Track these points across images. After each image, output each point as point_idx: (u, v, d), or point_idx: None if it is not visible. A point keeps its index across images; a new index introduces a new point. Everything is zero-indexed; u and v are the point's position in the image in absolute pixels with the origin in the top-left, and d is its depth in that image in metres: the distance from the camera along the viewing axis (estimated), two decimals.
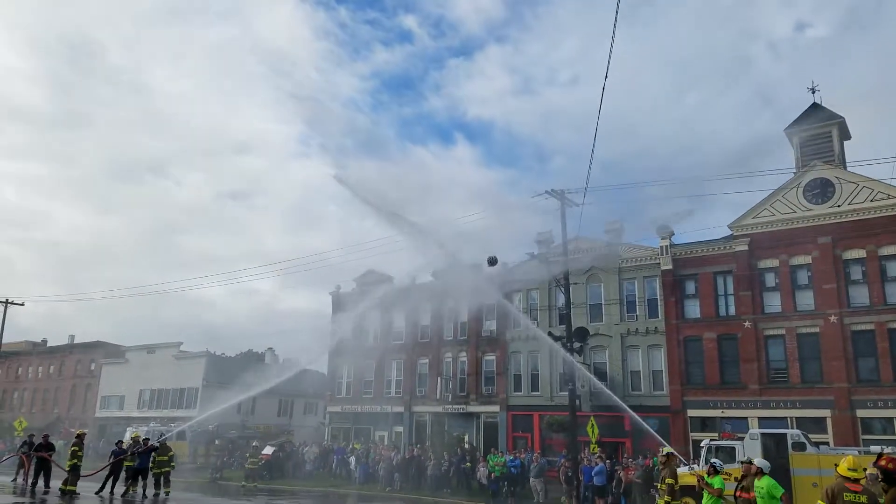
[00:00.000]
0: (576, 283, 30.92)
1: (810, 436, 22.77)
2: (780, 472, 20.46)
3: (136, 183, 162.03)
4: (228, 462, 36.56)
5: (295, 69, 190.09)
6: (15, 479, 24.51)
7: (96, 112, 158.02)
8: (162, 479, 21.82)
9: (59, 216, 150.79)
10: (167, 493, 21.59)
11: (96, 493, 20.85)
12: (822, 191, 30.15)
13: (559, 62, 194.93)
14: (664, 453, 15.92)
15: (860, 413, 27.19)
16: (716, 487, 13.14)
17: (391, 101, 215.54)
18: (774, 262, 30.54)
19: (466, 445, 33.47)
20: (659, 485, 15.67)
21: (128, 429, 44.70)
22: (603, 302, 34.31)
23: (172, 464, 23.07)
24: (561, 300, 29.85)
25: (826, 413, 27.76)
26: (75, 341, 65.34)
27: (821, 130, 31.72)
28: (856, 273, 29.06)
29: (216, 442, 41.16)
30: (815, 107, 32.39)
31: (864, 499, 8.13)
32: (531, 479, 25.64)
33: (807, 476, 19.69)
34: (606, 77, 12.34)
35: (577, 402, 27.07)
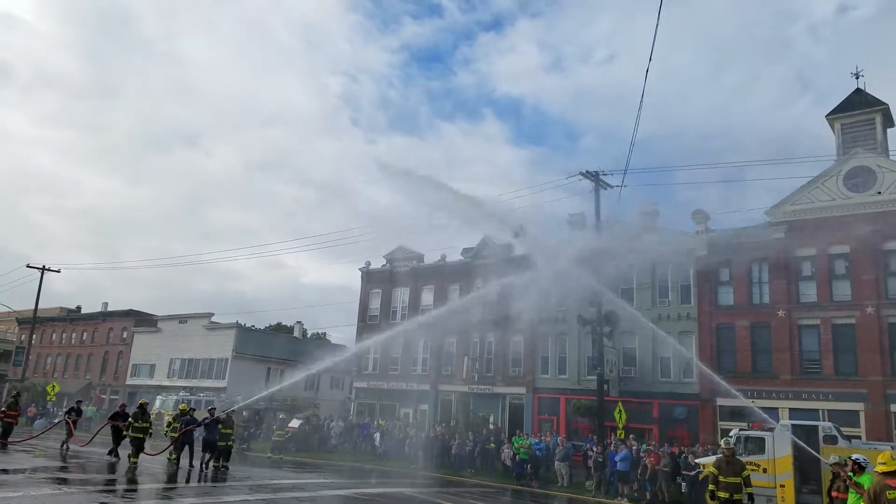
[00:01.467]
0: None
1: (842, 429, 22.41)
2: (811, 464, 20.24)
3: (167, 153, 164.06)
4: (255, 433, 37.19)
5: (326, 42, 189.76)
6: (62, 448, 23.88)
7: (128, 82, 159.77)
8: (224, 452, 21.24)
9: (90, 184, 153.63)
10: (226, 468, 20.96)
11: (172, 464, 20.65)
12: (863, 179, 29.32)
13: (592, 39, 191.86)
14: (839, 461, 13.38)
15: (895, 407, 26.64)
16: (867, 488, 11.07)
17: (420, 74, 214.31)
18: (812, 251, 29.86)
19: (491, 426, 33.59)
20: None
21: (157, 397, 45.70)
22: (634, 286, 33.95)
23: (234, 438, 22.60)
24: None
25: (859, 406, 27.24)
26: (108, 309, 66.73)
27: (864, 117, 30.77)
28: (895, 264, 28.32)
29: (244, 413, 41.85)
30: (858, 92, 31.42)
31: None
32: (556, 463, 25.66)
33: None
34: (649, 65, 12.00)
35: (606, 386, 26.98)
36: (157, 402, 43.83)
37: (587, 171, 26.13)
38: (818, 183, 30.23)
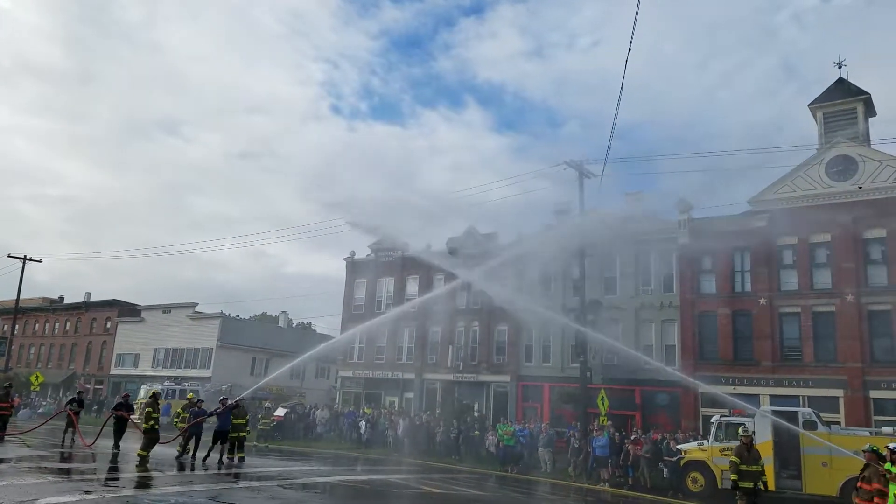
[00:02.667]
0: (591, 256, 30.74)
1: (822, 415, 22.71)
2: (790, 450, 20.50)
3: (148, 141, 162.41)
4: None
5: (308, 28, 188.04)
6: (63, 441, 22.70)
7: (110, 70, 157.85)
8: (237, 443, 20.53)
9: (72, 173, 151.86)
10: (241, 459, 20.36)
11: (177, 457, 19.92)
12: (844, 168, 29.60)
13: (574, 25, 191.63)
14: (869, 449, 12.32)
15: (873, 394, 27.03)
16: None
17: (400, 61, 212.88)
18: (793, 240, 30.12)
19: (476, 414, 33.75)
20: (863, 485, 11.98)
21: (142, 386, 45.44)
22: (618, 275, 34.16)
23: (248, 428, 21.86)
24: (576, 272, 29.71)
25: (839, 393, 27.62)
26: (91, 299, 66.21)
27: (845, 106, 31.03)
28: (875, 253, 28.66)
29: (228, 402, 41.75)
30: (840, 82, 31.65)
31: None
32: (539, 449, 25.83)
33: (817, 455, 19.65)
34: (629, 54, 12.01)
35: (589, 373, 27.17)
36: (142, 392, 43.59)
37: (571, 161, 26.17)
38: (800, 172, 30.47)
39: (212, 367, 52.71)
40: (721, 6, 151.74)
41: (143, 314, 60.23)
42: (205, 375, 51.38)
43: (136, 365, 58.38)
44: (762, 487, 14.58)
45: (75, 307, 66.90)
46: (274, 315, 69.74)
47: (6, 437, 22.85)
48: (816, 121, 31.56)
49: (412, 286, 42.54)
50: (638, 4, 10.34)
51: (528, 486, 21.99)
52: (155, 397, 20.72)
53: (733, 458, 14.69)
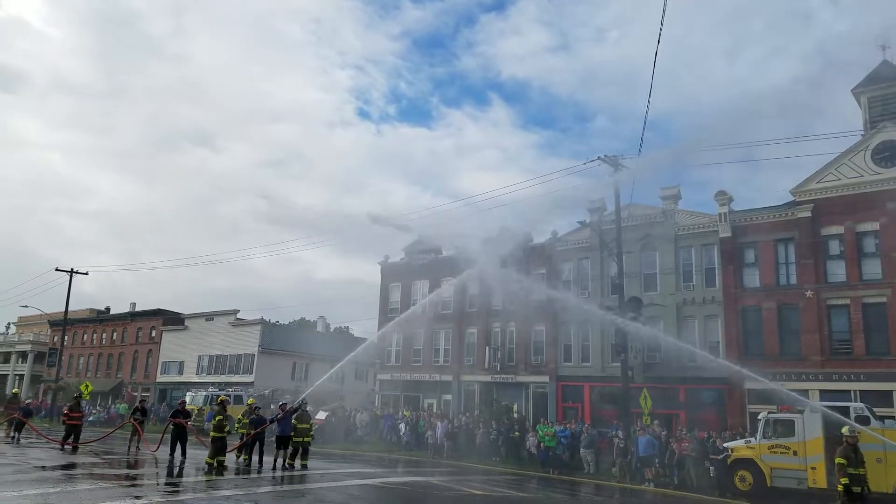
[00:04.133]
0: (629, 252, 30.27)
1: (875, 410, 21.91)
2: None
3: (178, 153, 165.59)
4: None
5: (329, 33, 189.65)
6: (129, 449, 23.07)
7: (138, 83, 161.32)
8: (301, 449, 19.96)
9: (105, 186, 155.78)
10: (304, 466, 19.79)
11: (243, 463, 19.98)
12: (891, 154, 28.61)
13: (597, 15, 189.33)
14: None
15: None
16: None
17: (423, 62, 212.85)
18: (839, 229, 29.21)
19: (515, 415, 33.47)
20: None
21: (187, 393, 46.25)
22: (658, 271, 33.55)
23: (312, 433, 21.23)
24: (614, 269, 29.26)
25: (893, 386, 26.62)
26: (136, 309, 67.74)
27: (891, 90, 29.99)
28: None
29: (271, 406, 42.20)
30: (884, 64, 30.59)
31: None
32: (581, 450, 25.50)
33: (871, 451, 18.88)
34: (658, 46, 11.72)
35: (630, 373, 26.69)
36: (188, 398, 44.37)
37: (605, 156, 25.73)
38: (845, 159, 29.55)
39: (254, 372, 53.43)
40: None
41: (187, 322, 61.35)
42: (247, 381, 52.11)
43: (181, 372, 59.49)
44: (868, 490, 13.86)
45: (121, 317, 68.51)
46: (312, 320, 70.38)
47: (78, 447, 23.08)
48: (861, 106, 30.57)
49: (447, 288, 42.45)
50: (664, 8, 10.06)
51: (572, 487, 21.69)
52: (223, 405, 19.78)
53: (840, 461, 13.59)
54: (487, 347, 39.00)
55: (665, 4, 10.34)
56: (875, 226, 28.47)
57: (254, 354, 54.32)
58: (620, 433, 24.73)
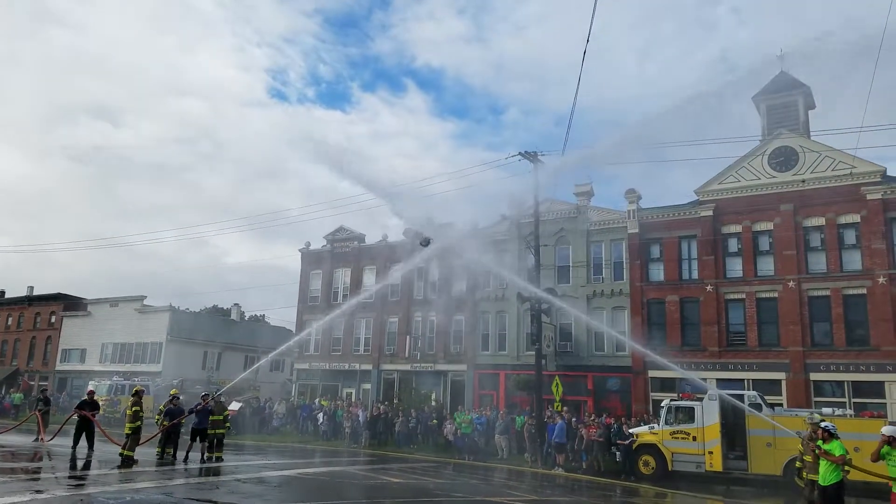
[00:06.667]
0: (545, 245, 31.23)
1: (766, 397, 23.70)
2: (737, 431, 21.36)
3: (76, 126, 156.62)
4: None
5: (253, 13, 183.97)
6: (37, 440, 22.59)
7: (32, 52, 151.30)
8: (215, 440, 19.76)
9: None
10: (219, 459, 19.60)
11: (158, 455, 19.31)
12: (786, 159, 30.75)
13: (514, 7, 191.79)
14: (816, 422, 14.01)
15: (813, 376, 28.29)
16: (837, 455, 11.09)
17: (336, 40, 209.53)
18: (738, 228, 31.22)
19: (434, 403, 34.02)
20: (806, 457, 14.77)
21: (90, 382, 44.28)
22: (570, 264, 34.83)
23: (227, 424, 21.10)
24: (531, 261, 30.13)
25: (781, 376, 28.82)
26: (34, 293, 64.03)
27: (786, 99, 32.11)
28: (815, 240, 29.88)
29: (180, 397, 41.03)
30: (781, 75, 32.71)
31: None
32: (496, 436, 26.25)
33: (762, 436, 20.51)
34: (587, 46, 12.27)
35: (543, 361, 27.64)
36: (91, 387, 42.48)
37: (526, 152, 26.44)
38: (744, 162, 31.52)
39: (162, 361, 51.65)
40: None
41: (90, 308, 58.53)
42: (155, 370, 50.37)
43: (82, 360, 56.77)
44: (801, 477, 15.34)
45: (17, 301, 64.58)
46: (226, 308, 68.62)
47: None
48: (759, 112, 32.61)
49: (369, 277, 42.48)
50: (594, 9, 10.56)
51: (486, 472, 22.34)
52: (139, 395, 19.50)
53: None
54: (408, 336, 39.33)
55: (595, 5, 10.81)
56: (770, 226, 30.58)
57: (161, 343, 52.46)
58: (533, 420, 25.61)
